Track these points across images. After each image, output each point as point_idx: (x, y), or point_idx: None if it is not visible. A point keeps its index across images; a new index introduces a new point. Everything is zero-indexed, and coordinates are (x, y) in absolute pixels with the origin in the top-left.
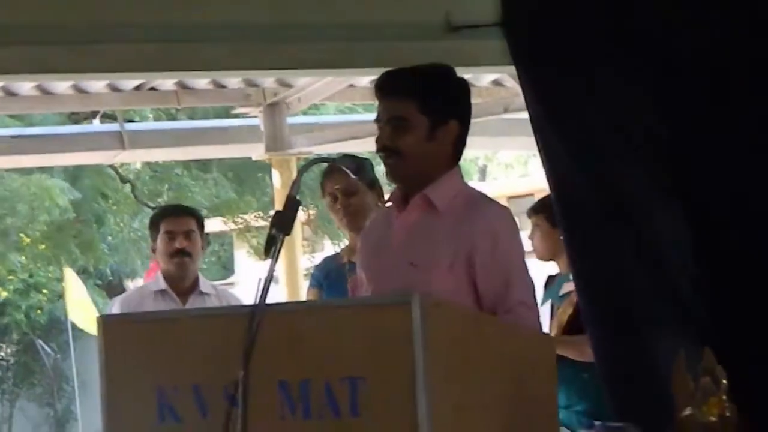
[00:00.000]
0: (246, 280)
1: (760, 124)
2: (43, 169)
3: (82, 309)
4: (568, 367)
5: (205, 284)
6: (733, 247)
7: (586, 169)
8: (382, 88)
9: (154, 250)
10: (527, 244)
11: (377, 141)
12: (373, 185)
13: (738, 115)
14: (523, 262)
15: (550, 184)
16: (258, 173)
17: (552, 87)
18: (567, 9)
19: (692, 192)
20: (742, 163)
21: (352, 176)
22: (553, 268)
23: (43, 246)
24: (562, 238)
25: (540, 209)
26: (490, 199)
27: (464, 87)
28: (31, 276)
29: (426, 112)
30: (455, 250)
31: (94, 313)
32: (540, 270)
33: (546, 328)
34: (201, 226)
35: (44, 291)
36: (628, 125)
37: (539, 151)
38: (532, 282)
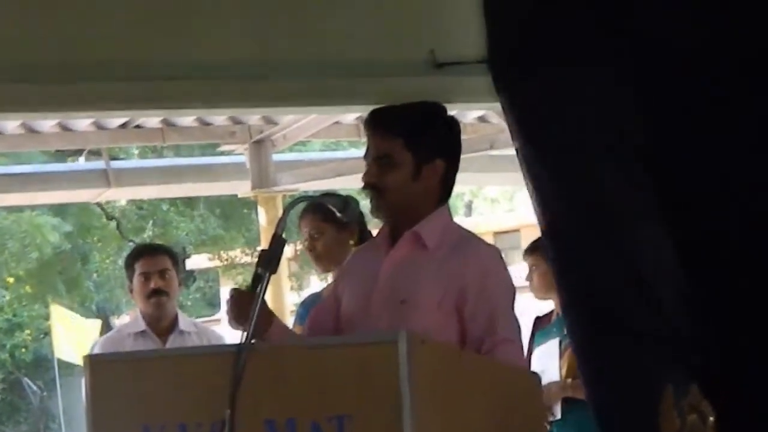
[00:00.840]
0: None
1: (754, 130)
2: (30, 206)
3: (76, 338)
4: (580, 408)
5: (185, 322)
6: (723, 258)
7: (570, 188)
8: (369, 125)
9: (131, 291)
10: (521, 283)
11: (363, 178)
12: (345, 226)
13: (730, 123)
14: (510, 300)
15: (536, 211)
16: (244, 209)
17: (535, 104)
18: (550, 38)
19: (682, 206)
20: (733, 174)
21: (320, 218)
22: (545, 307)
23: (28, 285)
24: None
25: (535, 249)
26: (479, 237)
27: (453, 125)
28: (15, 315)
29: (412, 150)
30: (445, 288)
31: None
32: (531, 307)
33: (552, 366)
34: (176, 263)
35: (28, 330)
36: (615, 140)
37: (524, 178)
38: (517, 320)
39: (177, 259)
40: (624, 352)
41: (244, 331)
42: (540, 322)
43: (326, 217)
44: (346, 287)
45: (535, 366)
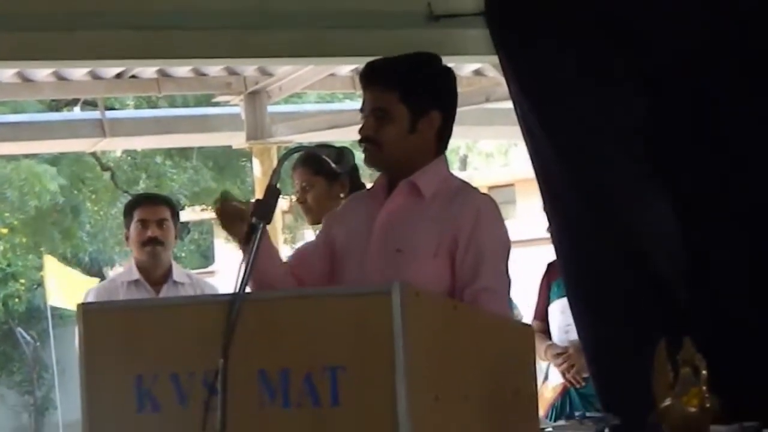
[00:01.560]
0: (226, 268)
1: (750, 120)
2: (27, 155)
3: (69, 288)
4: None
5: (179, 273)
6: (718, 239)
7: (570, 160)
8: (365, 78)
9: (127, 238)
10: (517, 237)
11: (360, 131)
12: (336, 178)
13: (728, 111)
14: (501, 251)
15: (535, 173)
16: (238, 161)
17: (536, 78)
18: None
19: (680, 184)
20: (729, 157)
21: (311, 171)
22: (535, 255)
23: (22, 235)
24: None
25: None
26: (475, 188)
27: (448, 76)
28: (9, 265)
29: (407, 102)
30: (440, 237)
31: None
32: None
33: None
34: (175, 215)
35: (22, 280)
36: (616, 116)
37: (526, 144)
38: (507, 273)
39: (176, 210)
40: (621, 312)
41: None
42: (554, 271)
43: (317, 170)
44: (339, 234)
45: (559, 320)
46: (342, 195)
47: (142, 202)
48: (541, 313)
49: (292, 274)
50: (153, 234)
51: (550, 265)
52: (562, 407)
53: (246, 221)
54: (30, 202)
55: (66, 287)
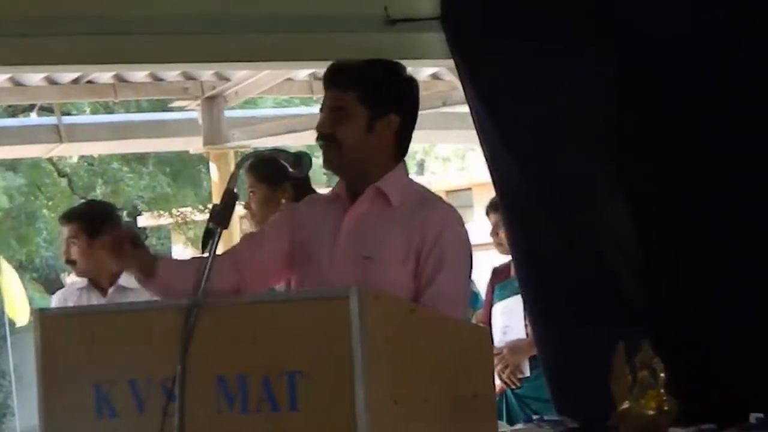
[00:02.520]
0: None
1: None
2: None
3: (16, 302)
4: None
5: (127, 278)
6: (672, 237)
7: (525, 161)
8: (326, 79)
9: None
10: (475, 240)
11: (317, 127)
12: (278, 185)
13: (688, 106)
14: (462, 260)
15: (493, 180)
16: (195, 166)
17: (491, 79)
18: (507, 2)
19: (634, 183)
20: (687, 155)
21: (255, 177)
22: (499, 259)
23: None
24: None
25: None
26: (439, 196)
27: (410, 84)
28: None
29: (366, 103)
30: (408, 245)
31: (26, 305)
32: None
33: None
34: (88, 228)
35: None
36: (570, 117)
37: (481, 146)
38: (467, 284)
39: (92, 224)
40: (576, 318)
41: (194, 285)
42: (498, 275)
43: (262, 176)
44: (303, 236)
45: (498, 322)
46: (284, 201)
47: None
48: (486, 317)
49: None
50: (66, 256)
51: (495, 269)
52: (498, 409)
53: (133, 246)
54: None
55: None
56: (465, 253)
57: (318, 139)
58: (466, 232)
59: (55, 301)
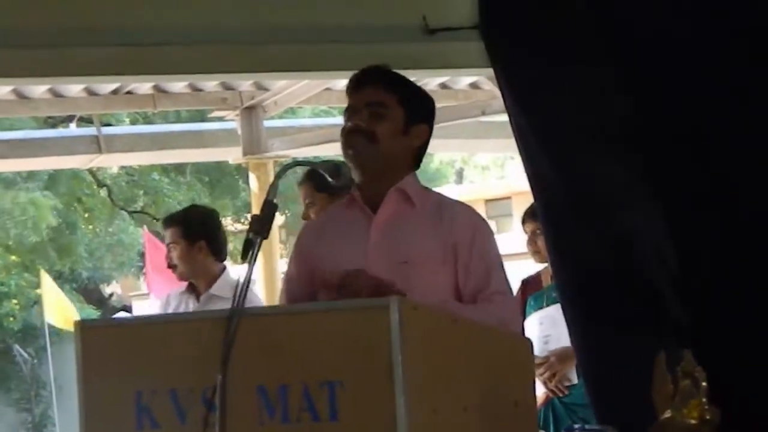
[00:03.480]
0: None
1: (739, 119)
2: (20, 174)
3: (61, 310)
4: None
5: (221, 287)
6: (711, 245)
7: (565, 170)
8: (361, 79)
9: None
10: (511, 250)
11: (352, 120)
12: (338, 194)
13: (717, 111)
14: (500, 257)
15: (531, 187)
16: (232, 177)
17: (530, 87)
18: (544, 10)
19: (671, 190)
20: (721, 159)
21: (313, 187)
22: (527, 270)
23: (16, 254)
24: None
25: (535, 214)
26: (458, 200)
27: (433, 101)
28: (2, 284)
29: (405, 106)
30: (443, 244)
31: (73, 313)
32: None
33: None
34: (187, 232)
35: (16, 299)
36: (608, 124)
37: (521, 155)
38: (507, 276)
39: (191, 228)
40: (617, 326)
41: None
42: (530, 285)
43: (319, 186)
44: (323, 255)
45: (538, 331)
46: None
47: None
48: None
49: None
50: (168, 260)
51: (524, 281)
52: (545, 418)
53: None
54: (29, 238)
55: (57, 308)
56: (498, 249)
57: (351, 131)
58: (491, 229)
59: (159, 304)
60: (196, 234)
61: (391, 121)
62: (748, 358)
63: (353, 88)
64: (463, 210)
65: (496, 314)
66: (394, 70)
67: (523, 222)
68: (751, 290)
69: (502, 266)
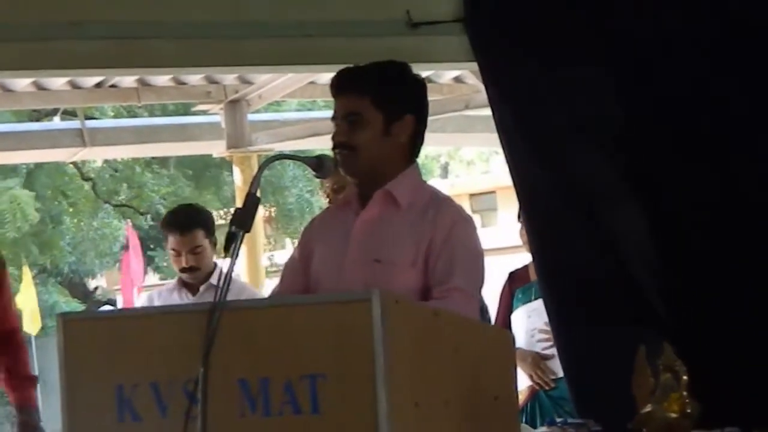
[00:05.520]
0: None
1: (721, 115)
2: (1, 168)
3: (29, 312)
4: None
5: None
6: (692, 240)
7: (549, 166)
8: (337, 86)
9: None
10: (495, 244)
11: (333, 137)
12: None
13: (698, 108)
14: (474, 256)
15: (514, 182)
16: (216, 170)
17: (514, 84)
18: (529, 5)
19: (652, 187)
20: (702, 157)
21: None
22: (513, 264)
23: None
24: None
25: None
26: (450, 197)
27: (420, 83)
28: None
29: (380, 107)
30: (417, 246)
31: (37, 317)
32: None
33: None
34: (209, 232)
35: None
36: (591, 121)
37: (503, 148)
38: (480, 277)
39: (209, 226)
40: (596, 318)
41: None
42: (517, 279)
43: (320, 172)
44: (316, 247)
45: (526, 325)
46: None
47: (173, 229)
48: (503, 322)
49: None
50: (187, 264)
51: (511, 273)
52: (531, 411)
53: None
54: (8, 234)
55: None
56: (476, 251)
57: (334, 147)
58: (476, 233)
59: (143, 300)
60: (213, 232)
61: (370, 127)
62: (729, 351)
63: (333, 95)
64: (448, 207)
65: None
66: (371, 64)
67: (518, 216)
68: (732, 284)
69: (478, 266)
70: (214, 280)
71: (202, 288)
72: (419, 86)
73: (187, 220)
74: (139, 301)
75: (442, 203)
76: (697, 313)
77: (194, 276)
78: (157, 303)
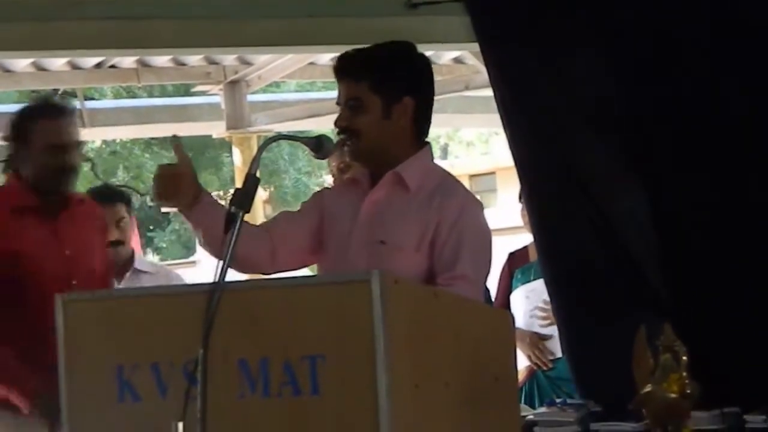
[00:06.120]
0: (207, 258)
1: (719, 100)
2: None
3: None
4: None
5: (141, 262)
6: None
7: (549, 148)
8: (337, 70)
9: None
10: (497, 225)
11: (336, 122)
12: None
13: (696, 91)
14: (482, 243)
15: (515, 163)
16: (216, 151)
17: (516, 65)
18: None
19: (653, 168)
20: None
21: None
22: (513, 245)
23: None
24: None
25: None
26: (460, 182)
27: (421, 62)
28: None
29: (378, 91)
30: (424, 230)
31: None
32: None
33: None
34: (129, 206)
35: None
36: (591, 104)
37: (504, 128)
38: (487, 264)
39: (129, 200)
40: (598, 301)
41: (217, 258)
42: (517, 259)
43: (319, 153)
44: (326, 218)
45: (525, 305)
46: None
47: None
48: (502, 302)
49: (268, 237)
50: (112, 237)
51: (511, 254)
52: (530, 392)
53: (186, 185)
54: None
55: None
56: (484, 236)
57: (338, 133)
58: (484, 218)
59: None
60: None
61: (370, 112)
62: (732, 331)
63: (336, 79)
64: (458, 193)
65: None
66: (372, 46)
67: (520, 197)
68: (731, 266)
69: (486, 252)
70: (139, 265)
71: (127, 274)
72: (420, 66)
73: (108, 194)
74: None
75: (450, 187)
76: (698, 295)
77: (117, 256)
78: None
